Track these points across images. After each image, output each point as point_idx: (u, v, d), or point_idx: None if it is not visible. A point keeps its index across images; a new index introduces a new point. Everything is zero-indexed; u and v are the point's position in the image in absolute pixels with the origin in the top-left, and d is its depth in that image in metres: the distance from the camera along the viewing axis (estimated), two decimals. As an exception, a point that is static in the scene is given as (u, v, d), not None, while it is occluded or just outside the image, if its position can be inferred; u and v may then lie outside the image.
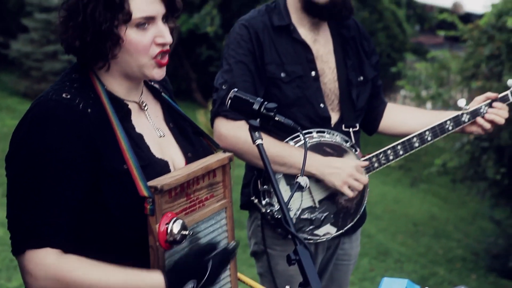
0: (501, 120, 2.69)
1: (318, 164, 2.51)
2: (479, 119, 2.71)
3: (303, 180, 1.87)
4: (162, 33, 1.76)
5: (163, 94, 1.94)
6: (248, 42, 2.58)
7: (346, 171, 2.52)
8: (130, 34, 1.72)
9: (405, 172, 8.87)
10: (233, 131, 2.53)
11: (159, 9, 1.75)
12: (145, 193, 1.66)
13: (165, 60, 1.79)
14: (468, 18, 17.02)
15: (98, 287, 1.66)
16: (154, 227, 1.68)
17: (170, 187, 1.71)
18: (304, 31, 2.66)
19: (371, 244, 6.58)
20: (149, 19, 1.74)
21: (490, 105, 2.74)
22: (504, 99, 2.77)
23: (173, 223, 1.68)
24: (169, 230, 1.68)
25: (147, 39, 1.74)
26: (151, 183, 1.67)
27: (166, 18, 1.80)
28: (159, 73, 1.80)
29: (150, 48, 1.75)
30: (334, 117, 2.67)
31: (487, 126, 2.72)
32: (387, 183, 9.58)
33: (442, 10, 18.67)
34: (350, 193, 2.54)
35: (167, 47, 1.79)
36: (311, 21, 2.65)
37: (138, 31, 1.73)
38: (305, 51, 2.64)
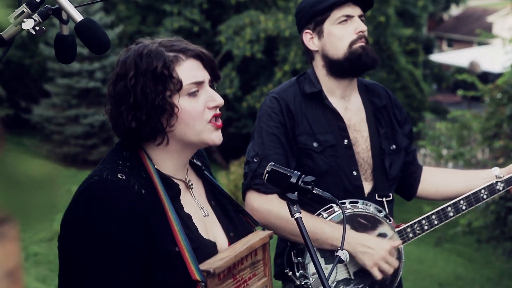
0: None
1: (352, 240, 2.48)
2: None
3: (343, 254, 1.87)
4: (213, 97, 1.76)
5: (205, 171, 1.94)
6: (279, 115, 2.59)
7: (379, 253, 2.49)
8: (183, 103, 1.72)
9: (429, 231, 8.77)
10: (265, 205, 2.52)
11: (205, 74, 1.77)
12: (197, 277, 1.64)
13: (220, 122, 1.79)
14: (485, 77, 17.07)
15: None
16: None
17: (221, 270, 1.71)
18: (335, 100, 2.66)
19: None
20: (199, 84, 1.74)
21: None
22: None
23: None
24: None
25: (200, 105, 1.74)
26: (203, 266, 1.66)
27: (211, 85, 1.81)
28: (218, 136, 1.79)
29: (204, 113, 1.75)
30: (367, 186, 2.65)
31: None
32: (410, 243, 9.43)
33: (458, 69, 18.80)
34: (379, 276, 2.51)
35: (219, 111, 1.79)
36: (340, 87, 2.66)
37: (190, 99, 1.73)
38: (336, 119, 2.63)
